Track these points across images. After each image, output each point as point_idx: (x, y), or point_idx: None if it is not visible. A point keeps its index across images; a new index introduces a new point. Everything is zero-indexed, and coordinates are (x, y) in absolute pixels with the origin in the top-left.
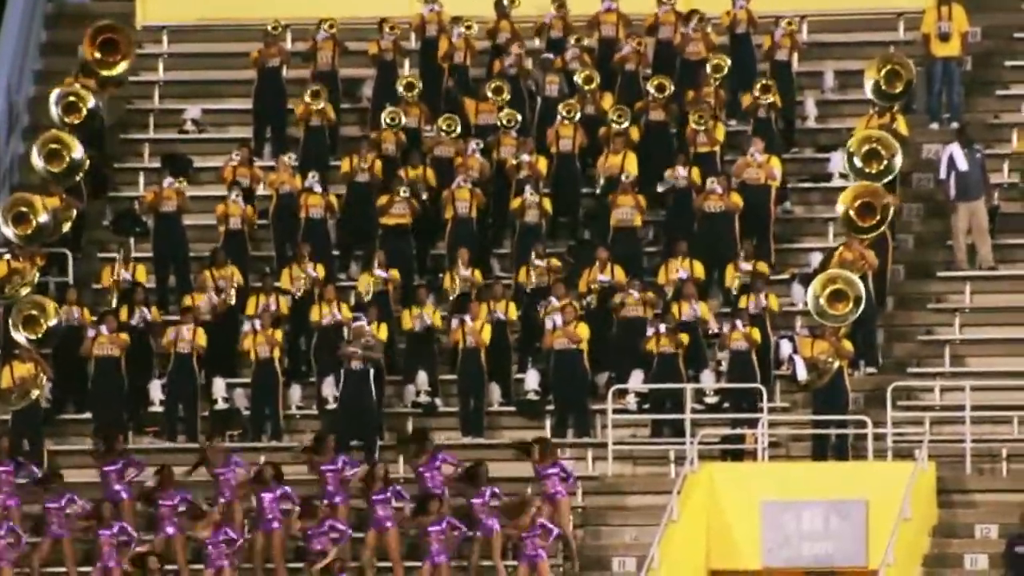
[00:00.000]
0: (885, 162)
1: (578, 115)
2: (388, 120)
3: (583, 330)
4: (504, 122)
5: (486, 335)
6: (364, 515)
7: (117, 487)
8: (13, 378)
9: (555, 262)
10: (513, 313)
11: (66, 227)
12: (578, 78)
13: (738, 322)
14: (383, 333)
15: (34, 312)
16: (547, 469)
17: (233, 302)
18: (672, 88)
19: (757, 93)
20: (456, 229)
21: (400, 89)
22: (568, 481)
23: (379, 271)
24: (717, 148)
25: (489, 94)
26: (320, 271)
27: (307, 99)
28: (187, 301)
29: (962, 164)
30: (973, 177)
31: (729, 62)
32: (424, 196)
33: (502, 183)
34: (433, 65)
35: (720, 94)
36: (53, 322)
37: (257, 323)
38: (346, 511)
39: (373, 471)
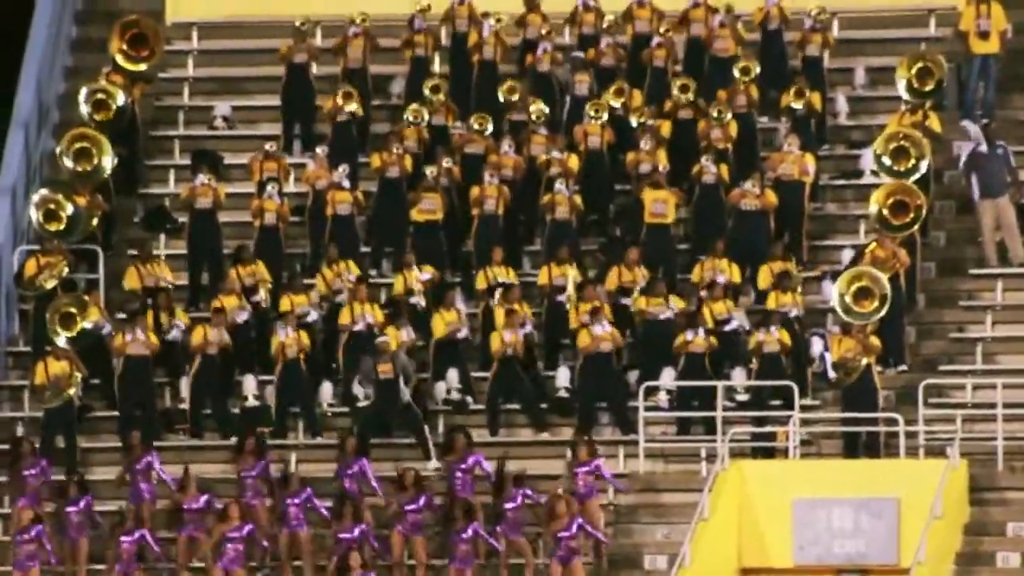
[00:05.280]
0: (914, 160)
1: (606, 114)
2: (411, 118)
3: (607, 334)
4: (533, 118)
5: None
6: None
7: (142, 486)
8: (48, 375)
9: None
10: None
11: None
12: (608, 96)
13: (772, 328)
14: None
15: (72, 310)
16: (580, 467)
17: (267, 303)
18: (695, 88)
19: (792, 98)
20: (482, 226)
21: (427, 92)
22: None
23: (423, 275)
24: (730, 145)
25: (501, 96)
26: (354, 270)
27: (339, 100)
28: (217, 303)
29: (983, 161)
30: (997, 174)
31: (758, 68)
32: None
33: (532, 180)
34: (463, 60)
35: (751, 94)
36: (89, 324)
37: (289, 330)
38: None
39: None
